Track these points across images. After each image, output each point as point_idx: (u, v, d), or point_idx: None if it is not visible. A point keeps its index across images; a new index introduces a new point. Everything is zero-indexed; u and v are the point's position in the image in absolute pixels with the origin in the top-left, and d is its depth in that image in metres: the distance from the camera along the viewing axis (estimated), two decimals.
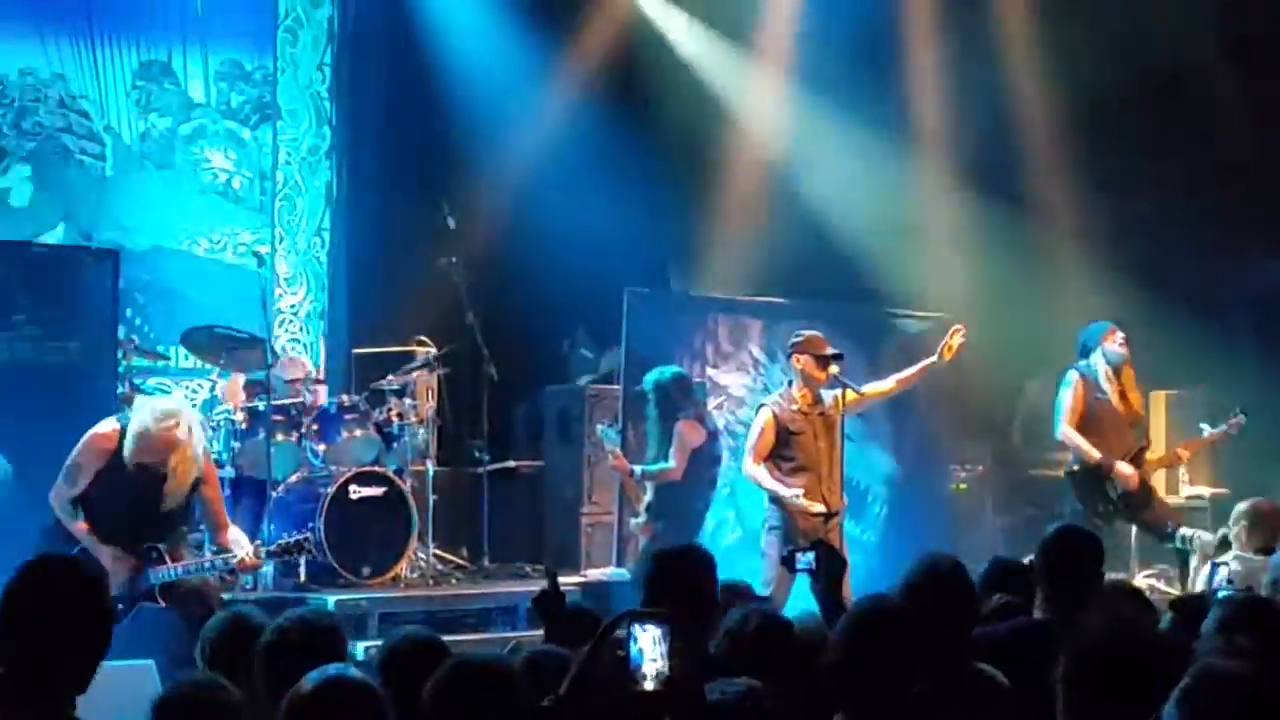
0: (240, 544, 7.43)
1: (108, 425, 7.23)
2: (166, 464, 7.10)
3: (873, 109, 11.03)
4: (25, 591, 3.49)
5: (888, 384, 8.71)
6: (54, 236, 10.48)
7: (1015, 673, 4.23)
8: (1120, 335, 9.18)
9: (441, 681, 3.61)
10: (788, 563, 5.29)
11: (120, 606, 7.10)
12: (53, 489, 7.20)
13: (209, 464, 7.51)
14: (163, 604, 7.14)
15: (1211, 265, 11.30)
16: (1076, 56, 10.90)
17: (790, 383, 8.50)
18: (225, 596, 7.45)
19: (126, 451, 7.06)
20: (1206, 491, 10.78)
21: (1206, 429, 9.17)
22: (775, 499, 8.31)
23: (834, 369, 8.35)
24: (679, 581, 4.61)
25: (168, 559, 7.16)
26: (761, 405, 8.60)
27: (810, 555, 5.16)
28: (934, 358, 8.53)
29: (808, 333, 8.51)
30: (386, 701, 3.37)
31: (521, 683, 3.62)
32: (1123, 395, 9.09)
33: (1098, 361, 9.14)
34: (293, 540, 7.50)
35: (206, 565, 7.43)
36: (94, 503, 7.15)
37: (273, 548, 7.52)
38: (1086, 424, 9.13)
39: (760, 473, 8.34)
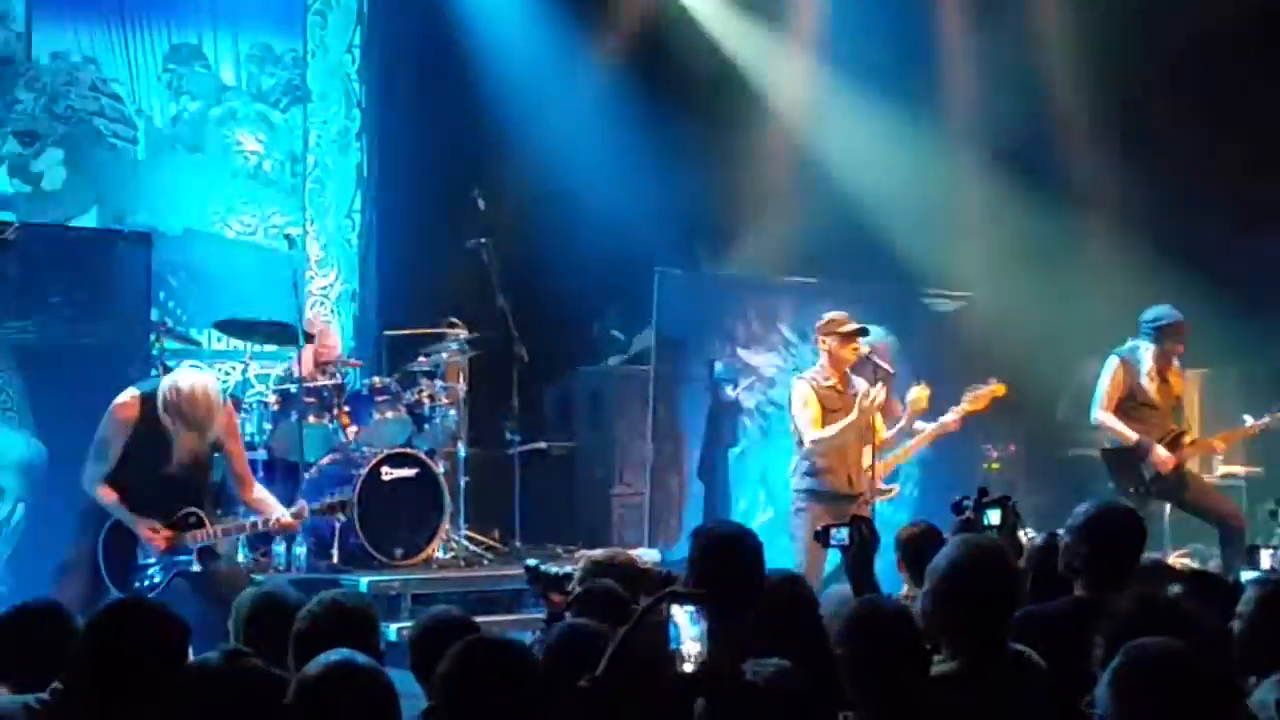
0: (271, 503, 7.45)
1: (127, 395, 7.26)
2: (202, 425, 7.12)
3: (904, 87, 10.98)
4: (106, 634, 3.60)
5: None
6: (87, 220, 10.53)
7: (1057, 652, 4.22)
8: (1181, 343, 8.96)
9: (452, 662, 3.59)
10: (821, 538, 5.28)
11: (160, 575, 7.14)
12: (83, 472, 7.22)
13: (232, 419, 7.51)
14: (200, 568, 7.16)
15: (1245, 243, 11.20)
16: (1111, 32, 10.84)
17: (821, 364, 8.49)
18: (259, 578, 7.48)
19: (164, 412, 7.06)
20: (1241, 471, 10.73)
21: (1249, 419, 9.03)
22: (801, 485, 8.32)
23: (863, 348, 8.37)
24: (724, 562, 4.62)
25: (207, 523, 7.20)
26: (797, 379, 8.58)
27: (845, 531, 5.14)
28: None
29: (830, 314, 8.51)
30: (393, 685, 3.36)
31: (536, 662, 3.61)
32: (1164, 380, 8.97)
33: (1145, 348, 8.97)
34: (333, 500, 7.55)
35: (247, 529, 7.47)
36: (124, 475, 7.17)
37: (316, 506, 7.55)
38: (1126, 408, 9.01)
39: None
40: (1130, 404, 8.93)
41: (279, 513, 7.40)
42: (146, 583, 7.16)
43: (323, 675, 3.30)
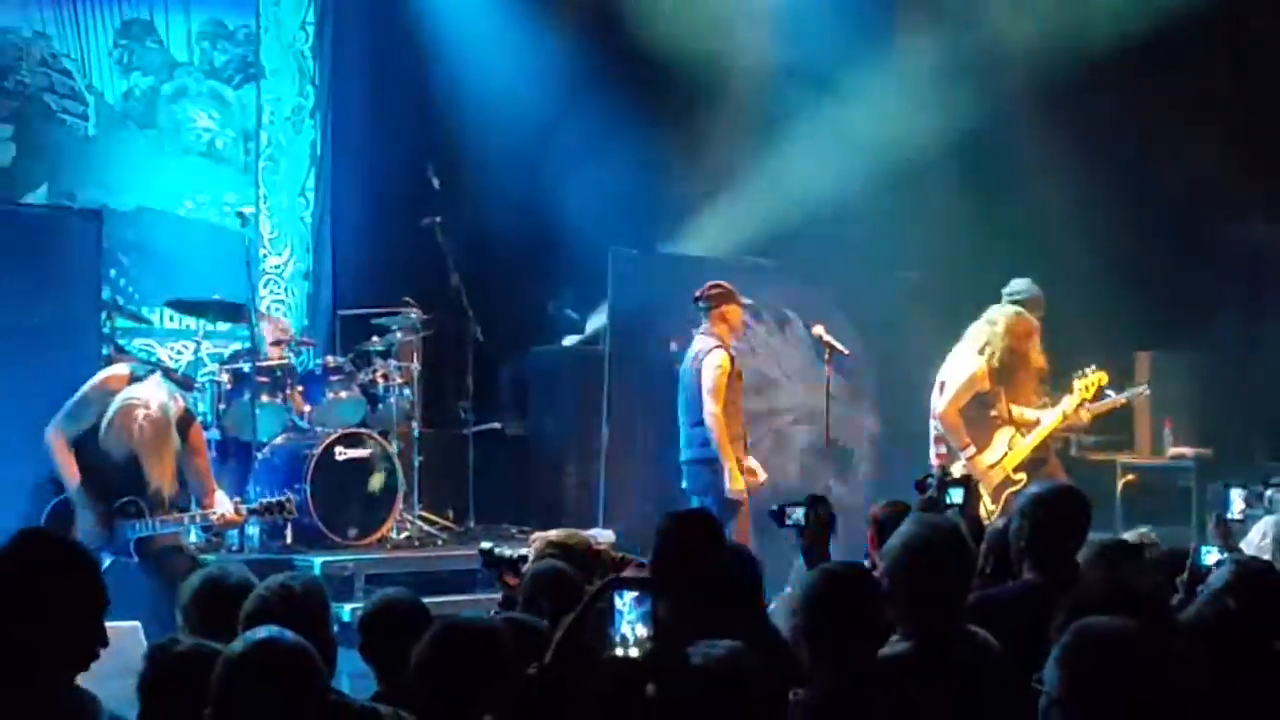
0: (217, 499, 7.39)
1: (122, 368, 7.21)
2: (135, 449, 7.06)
3: (860, 65, 10.98)
4: (18, 567, 3.45)
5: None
6: (37, 196, 10.42)
7: (1010, 635, 4.24)
8: (1038, 309, 8.95)
9: (429, 644, 3.61)
10: (777, 517, 5.30)
11: (100, 559, 7.04)
12: (51, 427, 7.11)
13: (196, 432, 7.44)
14: (137, 559, 7.08)
15: (1197, 225, 11.28)
16: (1064, 13, 10.87)
17: (719, 333, 8.69)
18: (210, 558, 7.43)
19: (106, 426, 7.02)
20: (1190, 453, 10.80)
21: (1112, 394, 9.09)
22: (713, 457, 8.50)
23: (819, 330, 8.47)
24: (680, 544, 4.65)
25: (146, 513, 7.11)
26: (715, 348, 8.67)
27: (801, 511, 5.16)
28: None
29: (715, 283, 8.79)
30: (321, 662, 3.35)
31: (509, 645, 3.63)
32: (1026, 355, 8.99)
33: None
34: (274, 500, 7.49)
35: (185, 521, 7.39)
36: (84, 448, 7.09)
37: (255, 506, 7.50)
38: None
39: (722, 433, 8.44)
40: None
41: (221, 509, 7.32)
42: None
43: (247, 652, 3.29)
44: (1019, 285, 8.98)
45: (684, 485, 8.79)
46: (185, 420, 7.31)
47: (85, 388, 7.17)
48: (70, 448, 7.10)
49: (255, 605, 4.11)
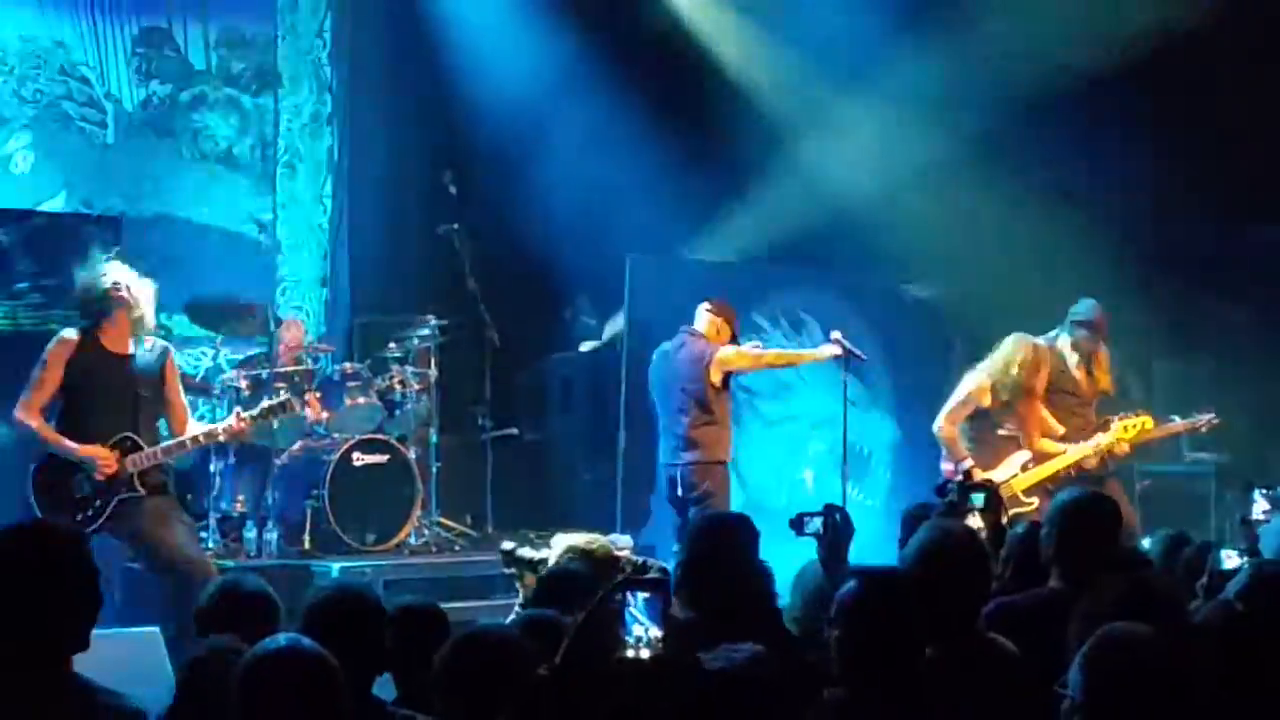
0: (208, 424, 7.47)
1: (67, 330, 7.23)
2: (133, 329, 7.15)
3: (880, 74, 10.98)
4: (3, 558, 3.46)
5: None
6: (55, 204, 10.47)
7: (1033, 643, 4.23)
8: (1092, 337, 8.92)
9: (450, 653, 3.62)
10: (796, 526, 5.28)
11: (99, 501, 7.03)
12: (17, 406, 7.08)
13: (170, 360, 7.45)
14: (142, 491, 7.08)
15: (1211, 233, 11.27)
16: (1076, 23, 10.86)
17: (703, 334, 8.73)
18: (230, 564, 7.44)
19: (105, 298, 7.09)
20: (1208, 457, 10.79)
21: (1176, 420, 9.04)
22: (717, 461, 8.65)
23: (836, 335, 8.48)
24: (716, 548, 4.66)
25: (144, 446, 7.11)
26: (719, 347, 8.75)
27: (819, 520, 5.14)
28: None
29: (717, 299, 8.80)
30: (338, 672, 3.34)
31: (529, 654, 3.63)
32: (1089, 372, 8.94)
33: (1063, 342, 8.98)
34: (277, 402, 7.57)
35: (189, 446, 7.40)
36: (70, 405, 7.10)
37: (255, 411, 7.53)
38: (1047, 394, 8.99)
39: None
40: (1052, 390, 8.85)
41: (222, 424, 7.38)
42: (90, 513, 7.03)
43: (264, 660, 3.30)
44: (1080, 306, 8.92)
45: (681, 492, 8.68)
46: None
47: (39, 361, 7.12)
48: (46, 418, 7.08)
49: (316, 601, 4.10)
